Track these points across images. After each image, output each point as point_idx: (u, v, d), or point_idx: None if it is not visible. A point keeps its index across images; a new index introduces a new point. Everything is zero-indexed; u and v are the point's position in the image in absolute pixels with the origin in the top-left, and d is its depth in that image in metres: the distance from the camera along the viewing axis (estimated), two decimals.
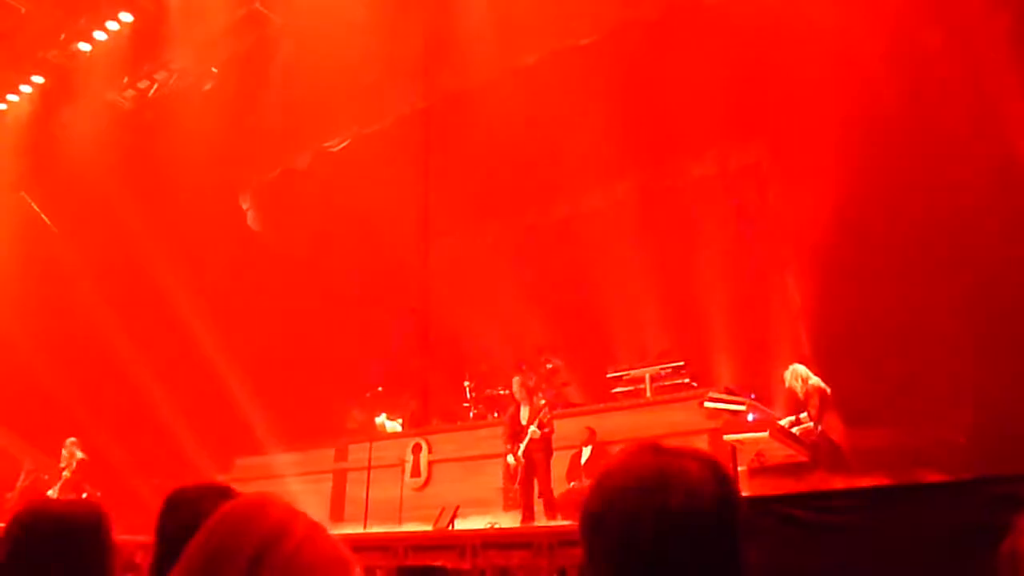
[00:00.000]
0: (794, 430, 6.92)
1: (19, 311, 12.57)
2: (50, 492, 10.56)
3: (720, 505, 1.26)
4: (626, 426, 8.64)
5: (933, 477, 4.60)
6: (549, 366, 10.11)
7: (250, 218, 14.11)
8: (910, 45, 8.41)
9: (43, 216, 14.35)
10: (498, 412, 10.83)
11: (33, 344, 12.16)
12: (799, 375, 7.32)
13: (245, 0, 11.95)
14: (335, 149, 12.62)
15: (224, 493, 1.87)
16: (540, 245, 12.86)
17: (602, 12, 10.22)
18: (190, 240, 12.67)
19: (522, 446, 8.04)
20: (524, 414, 8.22)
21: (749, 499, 4.91)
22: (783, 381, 7.53)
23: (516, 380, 8.58)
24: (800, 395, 7.26)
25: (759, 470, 6.49)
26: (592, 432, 8.53)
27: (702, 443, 7.29)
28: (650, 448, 1.36)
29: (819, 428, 6.86)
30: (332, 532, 1.12)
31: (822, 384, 7.15)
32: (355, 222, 12.75)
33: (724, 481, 1.32)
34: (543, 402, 8.23)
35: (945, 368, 7.69)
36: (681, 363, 9.87)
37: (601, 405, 9.77)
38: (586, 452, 8.53)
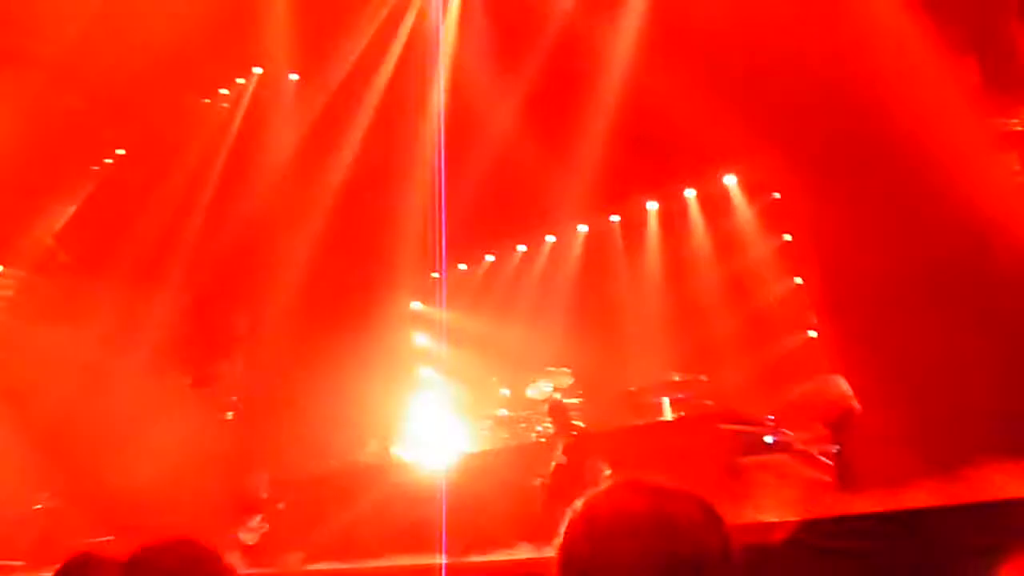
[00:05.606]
0: (813, 449, 6.80)
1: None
2: None
3: (724, 554, 1.20)
4: (641, 449, 8.51)
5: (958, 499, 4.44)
6: (557, 395, 10.08)
7: None
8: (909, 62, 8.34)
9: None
10: (514, 438, 10.80)
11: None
12: (836, 388, 7.19)
13: None
14: None
15: (188, 551, 1.83)
16: (554, 263, 12.85)
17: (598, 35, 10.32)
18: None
19: (548, 472, 8.06)
20: (558, 442, 8.25)
21: (769, 525, 4.80)
22: (811, 395, 7.42)
23: (550, 406, 8.62)
24: (832, 411, 7.15)
25: (777, 493, 6.34)
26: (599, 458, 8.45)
27: (719, 466, 7.15)
28: (641, 487, 1.28)
29: (837, 448, 6.72)
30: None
31: (853, 402, 7.02)
32: (364, 248, 12.76)
33: (722, 527, 1.25)
34: (575, 433, 8.24)
35: (973, 384, 7.50)
36: (700, 380, 9.79)
37: (616, 427, 9.65)
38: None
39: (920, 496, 4.69)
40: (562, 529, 1.27)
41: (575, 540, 1.24)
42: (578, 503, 1.28)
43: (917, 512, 4.04)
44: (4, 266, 13.33)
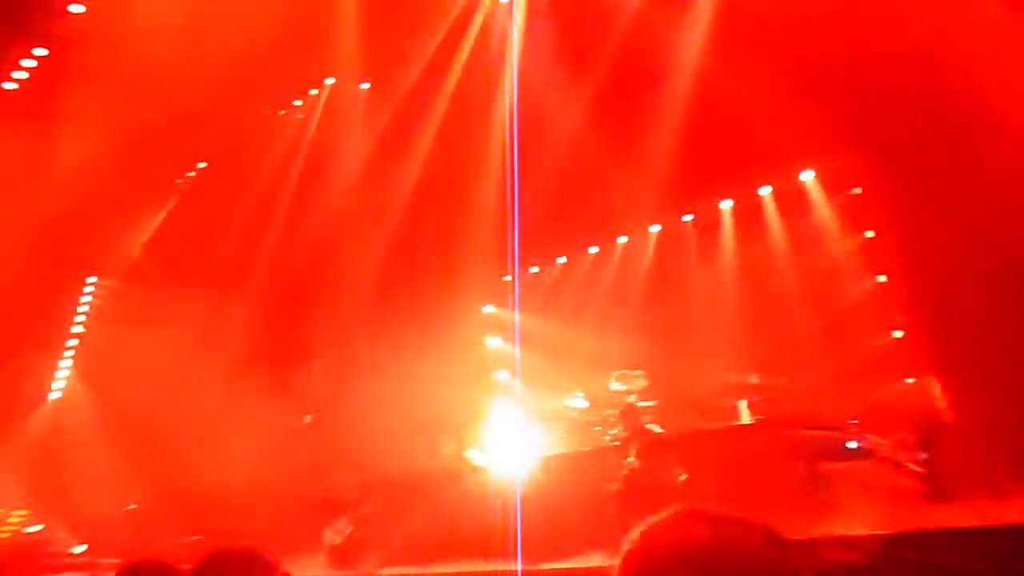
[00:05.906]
0: (901, 456, 6.51)
1: None
2: None
3: None
4: (717, 454, 8.32)
5: None
6: (631, 398, 9.96)
7: None
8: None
9: None
10: (588, 443, 10.73)
11: None
12: (925, 391, 6.91)
13: None
14: None
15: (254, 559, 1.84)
16: (626, 264, 12.72)
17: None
18: None
19: (622, 477, 8.02)
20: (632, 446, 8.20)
21: (854, 538, 4.59)
22: (898, 399, 7.15)
23: (624, 410, 8.58)
24: (921, 415, 6.87)
25: (862, 504, 6.10)
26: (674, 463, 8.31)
27: (799, 473, 6.91)
28: (701, 516, 1.20)
29: (926, 456, 6.42)
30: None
31: (944, 409, 6.72)
32: (437, 252, 12.89)
33: (789, 558, 1.16)
34: (650, 437, 8.17)
35: None
36: (779, 382, 9.53)
37: (691, 431, 9.48)
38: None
39: (1020, 508, 4.41)
40: (618, 561, 1.21)
41: (632, 567, 1.18)
42: (634, 533, 1.21)
43: (1018, 527, 3.79)
44: (96, 276, 13.98)
